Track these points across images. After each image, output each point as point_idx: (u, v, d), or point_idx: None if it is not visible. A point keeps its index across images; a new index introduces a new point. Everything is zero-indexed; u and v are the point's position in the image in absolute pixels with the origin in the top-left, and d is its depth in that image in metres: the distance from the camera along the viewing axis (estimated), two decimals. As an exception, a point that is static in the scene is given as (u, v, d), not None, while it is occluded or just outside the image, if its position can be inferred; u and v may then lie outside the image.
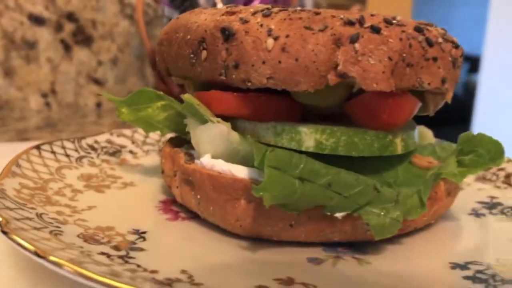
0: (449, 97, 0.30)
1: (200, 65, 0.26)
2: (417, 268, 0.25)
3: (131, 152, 0.41)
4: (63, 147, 0.37)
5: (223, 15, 0.26)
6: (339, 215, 0.25)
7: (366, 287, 0.23)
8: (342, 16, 0.24)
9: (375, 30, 0.24)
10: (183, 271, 0.23)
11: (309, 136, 0.26)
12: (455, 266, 0.26)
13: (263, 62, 0.24)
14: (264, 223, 0.25)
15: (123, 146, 0.41)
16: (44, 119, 0.79)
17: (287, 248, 0.26)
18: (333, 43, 0.24)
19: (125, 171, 0.38)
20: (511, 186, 0.36)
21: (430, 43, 0.25)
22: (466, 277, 0.25)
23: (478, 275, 0.25)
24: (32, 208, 0.28)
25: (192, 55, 0.26)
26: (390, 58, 0.24)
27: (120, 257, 0.24)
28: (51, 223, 0.26)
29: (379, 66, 0.24)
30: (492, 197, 0.35)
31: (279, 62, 0.24)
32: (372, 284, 0.23)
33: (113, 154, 0.40)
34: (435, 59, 0.26)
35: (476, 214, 0.33)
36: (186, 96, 0.26)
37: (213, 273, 0.24)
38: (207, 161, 0.27)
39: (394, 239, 0.27)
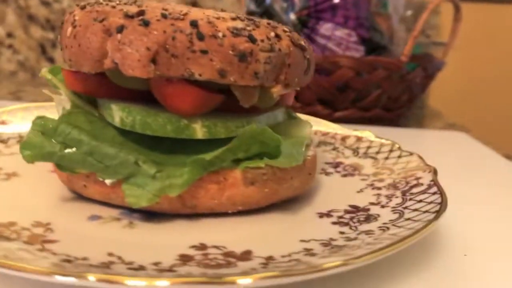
0: (275, 91, 0.30)
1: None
2: (294, 220, 0.31)
3: (2, 141, 0.41)
4: None
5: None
6: (108, 181, 0.29)
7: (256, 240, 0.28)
8: (125, 9, 0.28)
9: (145, 23, 0.27)
10: (110, 254, 0.25)
11: (116, 113, 0.30)
12: (322, 215, 0.32)
13: (66, 47, 0.30)
14: (75, 181, 0.31)
15: None
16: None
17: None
18: (104, 33, 0.28)
19: (2, 161, 0.37)
20: (347, 147, 0.44)
21: (200, 37, 0.27)
22: (333, 223, 0.31)
23: (340, 219, 0.31)
24: None
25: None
26: (148, 48, 0.27)
27: (41, 250, 0.25)
28: None
29: (135, 55, 0.27)
30: (334, 158, 0.43)
31: (71, 47, 0.29)
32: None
33: None
34: (204, 52, 0.27)
35: (325, 173, 0.40)
36: (43, 71, 0.33)
37: (135, 250, 0.26)
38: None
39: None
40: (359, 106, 0.71)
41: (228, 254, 0.26)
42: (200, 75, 0.28)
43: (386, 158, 0.41)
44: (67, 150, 0.28)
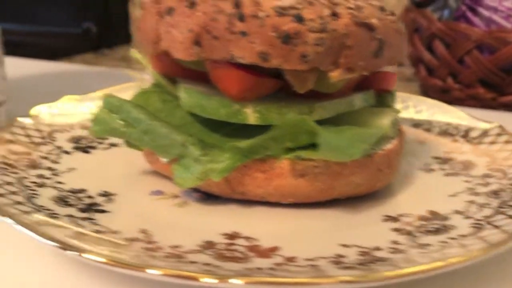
0: (334, 76, 0.27)
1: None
2: (351, 220, 0.28)
3: None
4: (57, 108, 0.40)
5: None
6: (163, 160, 0.30)
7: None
8: (181, -9, 0.28)
9: (191, 4, 0.27)
10: (142, 230, 0.26)
11: (182, 93, 0.31)
12: (387, 218, 0.28)
13: (136, 29, 0.31)
14: (146, 155, 0.33)
15: None
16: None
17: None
18: (158, 15, 0.28)
19: None
20: (468, 140, 0.38)
21: (241, 18, 0.26)
22: (394, 229, 0.27)
23: (405, 226, 0.27)
24: (14, 173, 0.30)
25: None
26: (190, 31, 0.26)
27: (83, 219, 0.27)
28: (29, 186, 0.29)
29: (179, 37, 0.27)
30: (447, 152, 0.37)
31: (137, 29, 0.30)
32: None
33: None
34: (244, 33, 0.26)
35: (426, 169, 0.35)
36: (132, 51, 0.36)
37: (168, 229, 0.27)
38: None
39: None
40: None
41: (253, 248, 0.25)
42: (241, 58, 0.26)
43: (507, 158, 0.34)
44: (128, 128, 0.30)
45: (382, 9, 0.30)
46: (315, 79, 0.28)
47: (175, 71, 0.32)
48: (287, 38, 0.26)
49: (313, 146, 0.28)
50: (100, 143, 0.38)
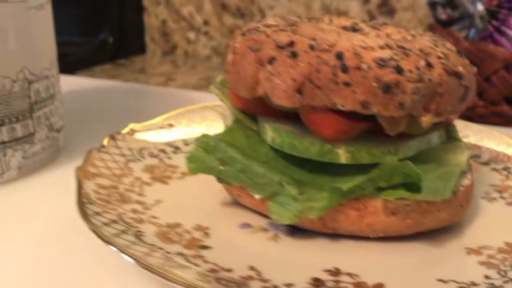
0: (425, 121, 0.29)
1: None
2: (437, 254, 0.30)
3: (183, 140, 0.44)
4: (124, 140, 0.41)
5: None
6: (257, 196, 0.32)
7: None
8: (278, 39, 0.30)
9: (293, 54, 0.29)
10: (251, 267, 0.28)
11: (268, 132, 0.32)
12: (469, 251, 0.30)
13: (227, 71, 0.33)
14: (232, 190, 0.35)
15: (173, 133, 0.44)
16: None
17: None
18: (257, 63, 0.30)
19: (180, 159, 0.40)
20: None
21: (344, 69, 0.27)
22: (481, 263, 0.29)
23: (490, 260, 0.29)
24: (113, 209, 0.31)
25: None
26: (294, 80, 0.28)
27: (194, 256, 0.28)
28: (131, 223, 0.30)
29: (282, 85, 0.29)
30: (503, 180, 0.39)
31: (231, 73, 0.32)
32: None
33: (168, 143, 0.43)
34: (347, 84, 0.28)
35: (488, 198, 0.37)
36: (212, 88, 0.37)
37: (274, 265, 0.28)
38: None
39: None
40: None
41: (360, 285, 0.27)
42: (342, 106, 0.28)
43: None
44: (224, 167, 0.32)
45: (459, 53, 0.32)
46: (406, 123, 0.30)
47: (255, 108, 0.34)
48: (387, 88, 0.28)
49: (402, 185, 0.30)
50: (173, 172, 0.40)
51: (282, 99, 0.29)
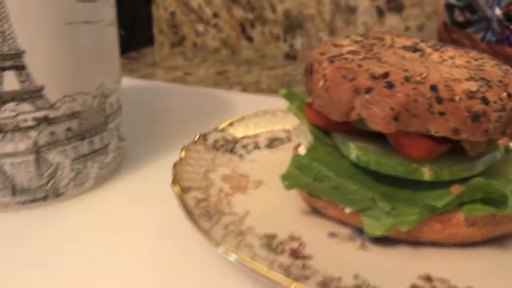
0: (502, 143, 0.33)
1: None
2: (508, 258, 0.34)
3: (243, 146, 0.47)
4: (197, 151, 0.43)
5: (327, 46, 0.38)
6: (347, 210, 0.35)
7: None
8: (371, 70, 0.33)
9: (389, 85, 0.32)
10: (356, 276, 0.31)
11: (353, 150, 0.36)
12: None
13: (316, 95, 0.36)
14: (316, 201, 0.38)
15: (235, 141, 0.48)
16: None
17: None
18: (353, 91, 0.33)
19: (249, 168, 0.43)
20: None
21: (439, 100, 0.31)
22: None
23: None
24: (216, 222, 0.34)
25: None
26: (392, 109, 0.32)
27: (303, 266, 0.31)
28: (239, 236, 0.32)
29: (380, 114, 0.32)
30: None
31: (322, 97, 0.35)
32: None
33: (231, 151, 0.46)
34: (442, 113, 0.31)
35: None
36: (290, 106, 0.40)
37: (374, 273, 0.31)
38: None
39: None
40: None
41: (453, 289, 0.31)
42: (436, 132, 0.32)
43: None
44: (318, 184, 0.35)
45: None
46: (484, 145, 0.34)
47: (336, 127, 0.37)
48: (476, 117, 0.31)
49: (482, 200, 0.34)
50: (247, 181, 0.43)
51: (379, 125, 0.32)
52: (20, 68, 0.37)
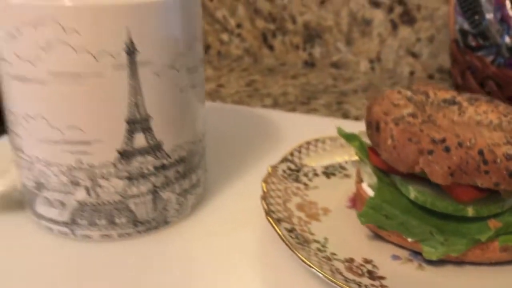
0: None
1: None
2: None
3: (305, 174, 0.55)
4: (273, 183, 0.51)
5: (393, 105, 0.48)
6: (410, 239, 0.46)
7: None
8: (431, 135, 0.43)
9: (447, 149, 0.42)
10: None
11: (412, 192, 0.46)
12: None
13: (384, 150, 0.46)
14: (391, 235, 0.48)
15: (298, 169, 0.55)
16: (368, 80, 1.07)
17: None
18: (418, 152, 0.43)
19: (314, 195, 0.51)
20: None
21: (485, 162, 0.41)
22: None
23: None
24: (308, 251, 0.41)
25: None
26: (449, 167, 0.42)
27: (382, 286, 0.39)
28: (328, 261, 0.41)
29: (439, 171, 0.42)
30: None
31: (391, 154, 0.45)
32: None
33: (296, 179, 0.53)
34: (486, 172, 0.42)
35: None
36: (356, 151, 0.50)
37: None
38: (364, 186, 0.51)
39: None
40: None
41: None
42: (481, 184, 0.42)
43: None
44: (388, 220, 0.45)
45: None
46: (514, 190, 0.44)
47: (394, 170, 0.48)
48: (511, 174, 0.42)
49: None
50: (316, 209, 0.53)
51: (439, 179, 0.43)
52: (147, 130, 0.46)
